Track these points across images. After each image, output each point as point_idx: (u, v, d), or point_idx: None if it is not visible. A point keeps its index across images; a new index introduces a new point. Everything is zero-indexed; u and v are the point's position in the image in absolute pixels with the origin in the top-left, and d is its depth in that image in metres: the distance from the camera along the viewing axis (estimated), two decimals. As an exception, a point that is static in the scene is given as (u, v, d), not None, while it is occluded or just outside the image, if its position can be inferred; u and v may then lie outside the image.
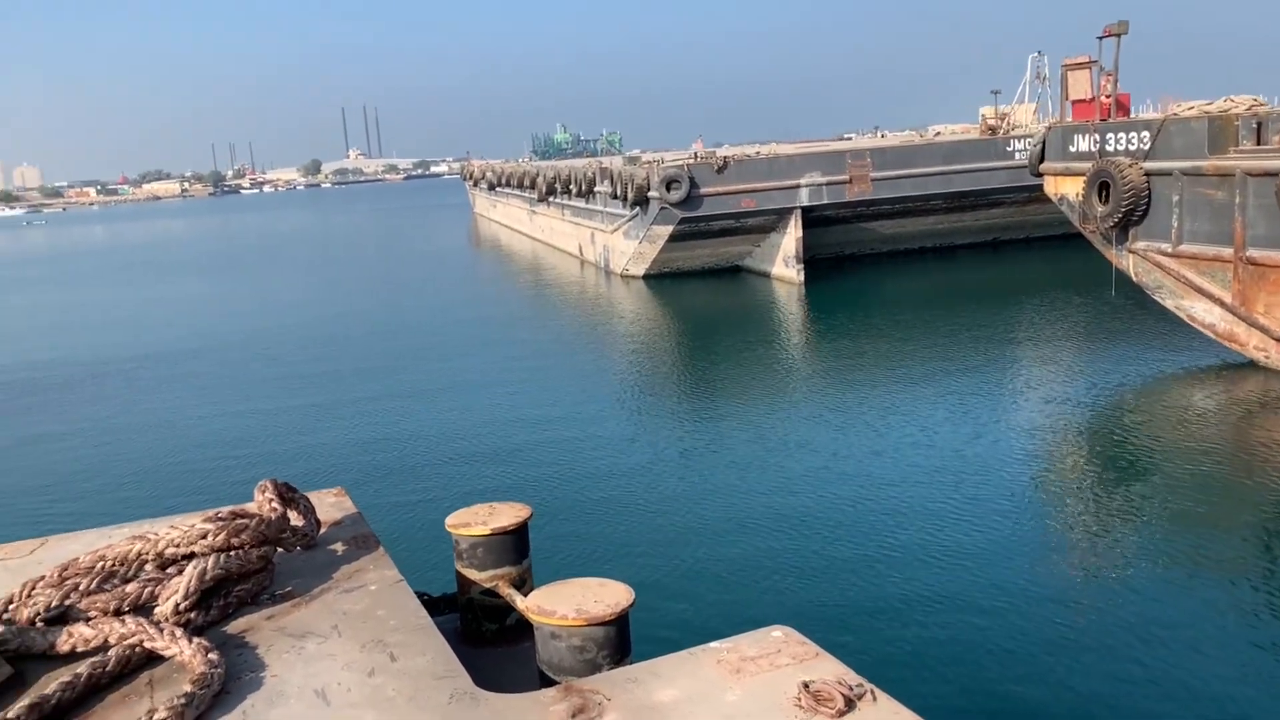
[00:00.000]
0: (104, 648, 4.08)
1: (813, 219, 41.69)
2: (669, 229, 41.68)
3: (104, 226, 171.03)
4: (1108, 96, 27.07)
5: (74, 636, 4.13)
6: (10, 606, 4.41)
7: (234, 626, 4.42)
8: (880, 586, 13.14)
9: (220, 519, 4.76)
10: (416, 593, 4.87)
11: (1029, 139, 38.56)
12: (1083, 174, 25.72)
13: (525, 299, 45.19)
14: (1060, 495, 16.59)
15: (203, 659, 3.87)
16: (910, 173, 42.29)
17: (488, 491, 16.91)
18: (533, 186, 65.50)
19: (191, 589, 4.34)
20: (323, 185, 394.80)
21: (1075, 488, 16.91)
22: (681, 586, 13.46)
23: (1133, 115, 28.47)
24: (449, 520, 5.62)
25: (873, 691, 3.53)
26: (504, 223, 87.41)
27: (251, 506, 5.07)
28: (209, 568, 4.43)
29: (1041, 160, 27.92)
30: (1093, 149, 25.52)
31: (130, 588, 4.44)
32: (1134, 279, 25.15)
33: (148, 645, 4.04)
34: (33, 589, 4.49)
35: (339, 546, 5.31)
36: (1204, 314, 23.31)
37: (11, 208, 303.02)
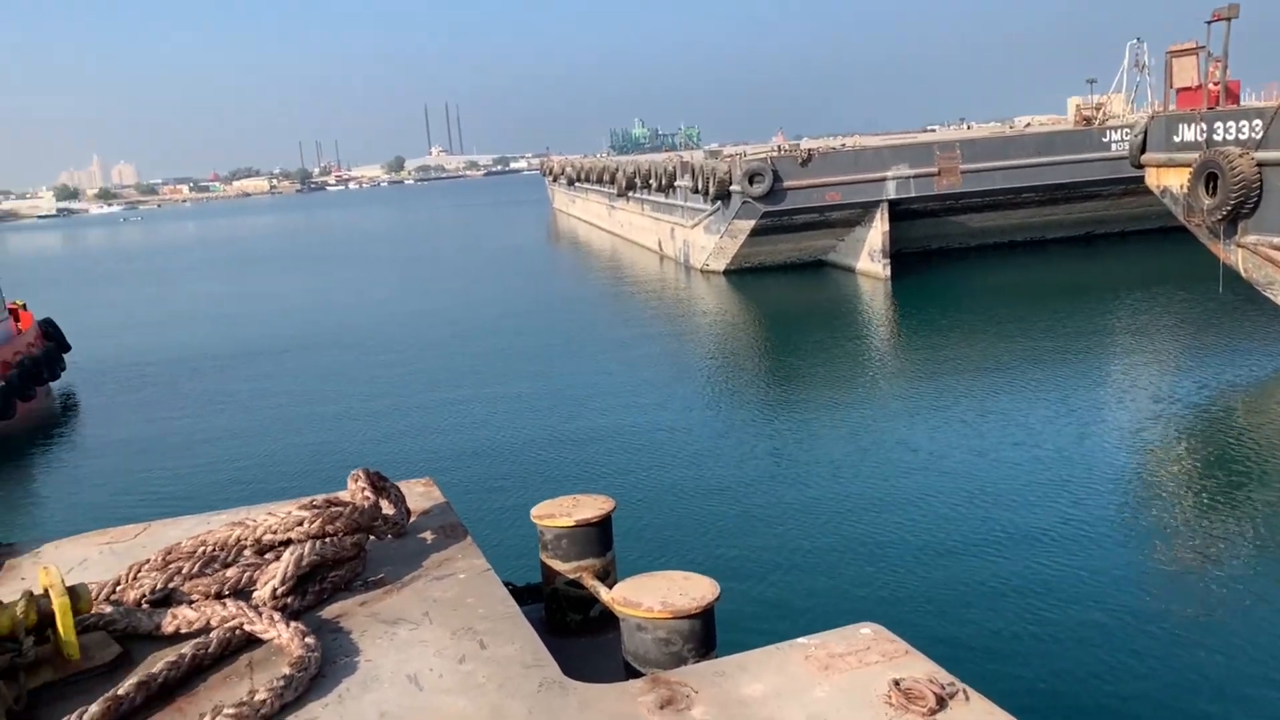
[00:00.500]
0: (206, 629, 4.21)
1: (899, 212, 41.04)
2: (751, 223, 41.41)
3: (196, 223, 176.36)
4: (1216, 84, 26.00)
5: (178, 618, 4.28)
6: (118, 588, 4.59)
7: (328, 612, 4.52)
8: (971, 586, 12.89)
9: (315, 506, 4.86)
10: (503, 582, 4.93)
11: (1126, 130, 37.35)
12: (1188, 165, 24.75)
13: (605, 294, 45.32)
14: (1165, 500, 16.01)
15: (300, 643, 3.97)
16: (1001, 165, 41.37)
17: (572, 483, 17.05)
18: (612, 181, 65.76)
19: (288, 574, 4.45)
20: (406, 182, 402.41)
21: (1181, 492, 16.31)
22: (766, 581, 13.39)
23: (1242, 104, 27.32)
24: (534, 511, 5.68)
25: (965, 691, 3.46)
26: (583, 218, 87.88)
27: (345, 495, 5.18)
28: (305, 554, 4.53)
29: (1143, 151, 26.97)
30: (1199, 139, 24.55)
31: (230, 572, 4.57)
32: (1243, 275, 24.16)
33: (247, 628, 4.16)
34: (138, 572, 4.66)
35: (428, 535, 5.40)
36: (1317, 311, 22.31)
37: (110, 205, 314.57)
